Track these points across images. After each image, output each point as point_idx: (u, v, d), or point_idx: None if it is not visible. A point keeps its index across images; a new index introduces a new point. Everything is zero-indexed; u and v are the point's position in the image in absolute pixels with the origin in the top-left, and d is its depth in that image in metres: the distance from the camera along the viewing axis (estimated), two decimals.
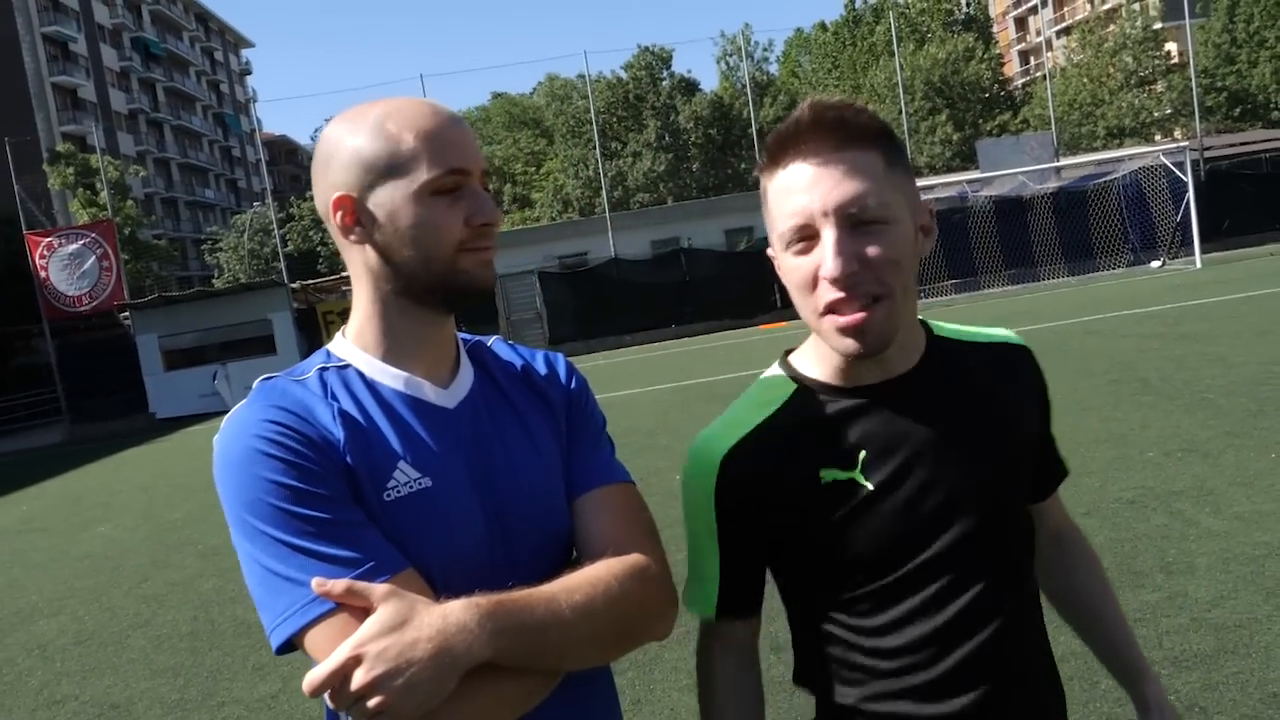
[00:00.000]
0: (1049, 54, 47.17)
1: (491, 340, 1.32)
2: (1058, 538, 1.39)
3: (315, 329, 23.96)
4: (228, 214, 66.19)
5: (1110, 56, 40.45)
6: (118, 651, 5.30)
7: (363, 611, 0.99)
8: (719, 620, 1.26)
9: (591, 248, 28.51)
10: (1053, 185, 26.03)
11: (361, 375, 1.17)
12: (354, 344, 1.19)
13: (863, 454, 1.15)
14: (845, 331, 1.08)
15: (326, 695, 0.96)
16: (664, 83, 43.96)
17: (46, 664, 5.30)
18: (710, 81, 79.37)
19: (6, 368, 31.59)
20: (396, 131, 1.11)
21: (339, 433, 1.09)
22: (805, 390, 1.20)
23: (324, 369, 1.17)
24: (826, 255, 1.06)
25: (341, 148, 1.14)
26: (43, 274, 24.56)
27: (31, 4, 52.25)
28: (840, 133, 1.08)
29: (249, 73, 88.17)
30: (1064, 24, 57.09)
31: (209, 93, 76.55)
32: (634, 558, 1.13)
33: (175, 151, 67.14)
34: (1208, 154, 27.69)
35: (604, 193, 31.25)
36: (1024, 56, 64.81)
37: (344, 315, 1.26)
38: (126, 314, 25.17)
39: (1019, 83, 57.83)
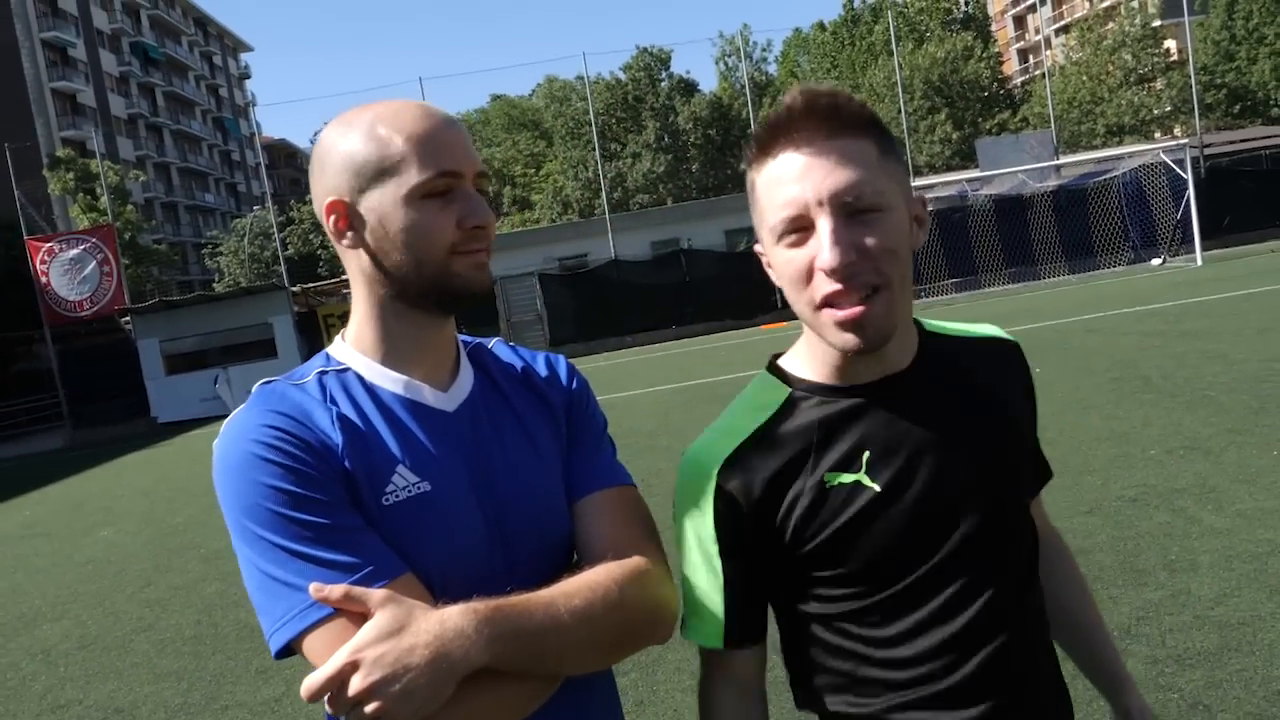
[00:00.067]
0: (1048, 52, 47.21)
1: (492, 342, 1.32)
2: (1041, 543, 1.36)
3: (316, 332, 23.96)
4: (228, 218, 66.23)
5: (1109, 54, 40.46)
6: (121, 656, 5.30)
7: (360, 617, 0.99)
8: (726, 649, 1.18)
9: (591, 249, 28.52)
10: (1052, 183, 26.03)
11: (361, 379, 1.16)
12: (353, 347, 1.19)
13: (866, 454, 1.11)
14: (844, 326, 1.04)
15: (325, 700, 0.96)
16: (663, 84, 44.01)
17: (50, 669, 5.30)
18: (709, 82, 79.31)
19: (8, 373, 31.59)
20: (386, 135, 1.10)
21: (337, 437, 1.09)
22: (800, 393, 1.16)
23: (323, 373, 1.17)
24: (823, 245, 1.02)
25: (334, 152, 1.14)
26: (43, 279, 24.58)
27: (30, 10, 52.30)
28: (833, 120, 1.05)
29: (248, 77, 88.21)
30: (1063, 22, 57.09)
31: (208, 97, 76.60)
32: (634, 561, 1.13)
33: (175, 156, 67.17)
34: (1207, 151, 27.68)
35: (604, 194, 31.26)
36: (1023, 55, 64.81)
37: (344, 318, 1.25)
38: (127, 319, 25.19)
39: (1018, 81, 57.82)
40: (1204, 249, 22.28)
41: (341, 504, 1.06)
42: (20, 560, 8.72)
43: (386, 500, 1.09)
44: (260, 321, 23.93)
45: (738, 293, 24.50)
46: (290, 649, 1.03)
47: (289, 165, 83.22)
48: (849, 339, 1.05)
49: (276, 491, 1.03)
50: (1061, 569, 1.38)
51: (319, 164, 1.16)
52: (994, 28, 57.29)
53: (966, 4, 49.36)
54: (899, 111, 34.50)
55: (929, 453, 1.12)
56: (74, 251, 24.72)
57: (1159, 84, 40.04)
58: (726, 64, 51.03)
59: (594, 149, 34.87)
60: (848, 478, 1.11)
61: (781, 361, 1.22)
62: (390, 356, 1.17)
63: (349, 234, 1.14)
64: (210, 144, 74.77)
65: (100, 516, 10.60)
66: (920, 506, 1.10)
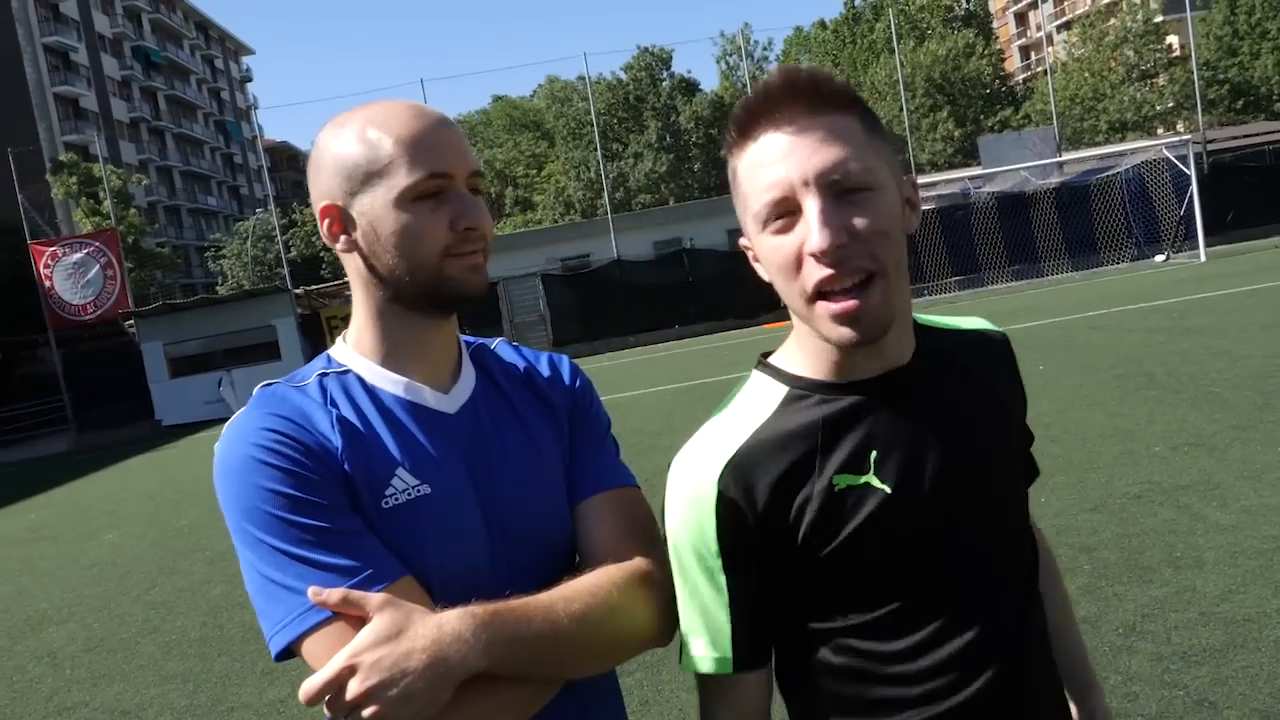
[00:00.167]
0: (1050, 49, 47.12)
1: (495, 343, 1.31)
2: None
3: (319, 334, 23.99)
4: (230, 221, 66.39)
5: (1111, 50, 40.42)
6: (127, 658, 5.31)
7: (359, 620, 0.99)
8: (734, 674, 1.08)
9: (594, 249, 28.52)
10: (1055, 180, 25.99)
11: (361, 381, 1.16)
12: (354, 349, 1.19)
13: (873, 454, 1.04)
14: (839, 319, 0.98)
15: (324, 703, 0.96)
16: (664, 83, 44.01)
17: (56, 671, 5.31)
18: (710, 81, 79.36)
19: (12, 377, 31.66)
20: (376, 137, 1.10)
21: (337, 440, 1.09)
22: (798, 390, 1.09)
23: (324, 375, 1.16)
24: (811, 228, 0.96)
25: (327, 155, 1.13)
26: (47, 283, 24.63)
27: (32, 14, 52.42)
28: (814, 96, 0.99)
29: (250, 79, 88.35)
30: (1064, 18, 57.00)
31: (210, 100, 76.73)
32: (634, 564, 1.12)
33: (177, 159, 67.30)
34: (1210, 147, 27.63)
35: (606, 194, 31.24)
36: (1024, 52, 64.71)
37: (348, 320, 1.25)
38: (131, 322, 25.27)
39: (1020, 78, 57.76)
40: (1207, 245, 22.25)
41: (341, 507, 1.05)
42: (26, 564, 8.74)
43: (386, 503, 1.08)
44: (263, 324, 23.96)
45: (740, 292, 24.44)
46: (290, 652, 1.03)
47: (291, 168, 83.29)
48: (845, 332, 0.99)
49: (275, 495, 1.03)
50: (1044, 570, 1.32)
51: (314, 167, 1.16)
52: (995, 25, 57.24)
53: (968, 1, 49.31)
54: (901, 109, 34.49)
55: (935, 451, 1.06)
56: (77, 255, 24.78)
57: (1161, 80, 39.99)
58: (728, 63, 51.07)
59: (596, 149, 34.87)
60: (857, 479, 1.04)
61: (773, 359, 1.14)
62: (390, 358, 1.17)
63: (343, 238, 1.14)
64: (212, 147, 74.90)
65: (105, 519, 10.62)
66: (930, 507, 1.05)
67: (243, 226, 52.33)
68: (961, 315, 1.25)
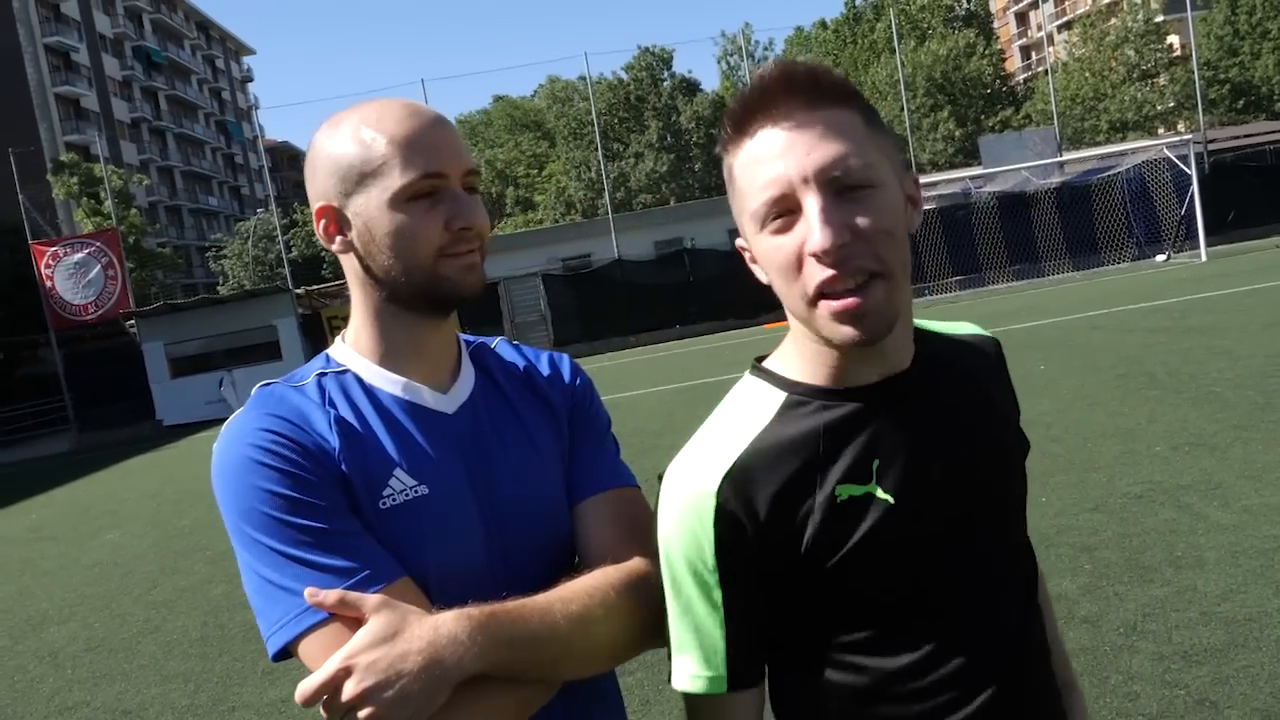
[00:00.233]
0: (1050, 49, 47.18)
1: (495, 342, 1.31)
2: None
3: (320, 334, 24.00)
4: (232, 221, 66.42)
5: (1112, 50, 40.41)
6: (128, 658, 5.32)
7: (355, 622, 0.99)
8: (728, 693, 1.03)
9: (595, 249, 28.53)
10: (1056, 180, 25.99)
11: (360, 380, 1.16)
12: (352, 349, 1.18)
13: (876, 463, 1.01)
14: (840, 317, 0.94)
15: (320, 705, 0.96)
16: (665, 83, 44.01)
17: (58, 671, 5.31)
18: (711, 81, 79.38)
19: (13, 377, 31.69)
20: (370, 137, 1.09)
21: (334, 440, 1.08)
22: (797, 396, 1.04)
23: (322, 374, 1.16)
24: (813, 226, 0.92)
25: (322, 155, 1.13)
26: (48, 283, 24.65)
27: (33, 15, 52.45)
28: (813, 90, 0.95)
29: (250, 79, 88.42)
30: (1065, 18, 56.98)
31: (211, 100, 76.79)
32: (632, 565, 1.11)
33: (178, 159, 67.34)
34: (1211, 147, 27.63)
35: (607, 194, 31.26)
36: (1025, 52, 64.70)
37: (348, 320, 1.25)
38: (132, 322, 25.28)
39: (1021, 78, 57.76)
40: (1208, 245, 22.25)
41: (338, 508, 1.05)
42: (27, 563, 8.75)
43: (383, 504, 1.08)
44: (265, 324, 23.98)
45: (741, 292, 24.41)
46: (287, 652, 1.03)
47: (292, 168, 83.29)
48: (848, 332, 0.94)
49: (272, 496, 1.03)
50: None
51: (309, 167, 1.15)
52: (996, 24, 57.22)
53: (968, 1, 49.30)
54: (902, 109, 34.50)
55: (938, 460, 1.03)
56: (79, 255, 24.80)
57: (1162, 79, 39.99)
58: (729, 63, 51.09)
59: (596, 149, 34.89)
60: (859, 490, 1.00)
61: (769, 363, 1.10)
62: (389, 358, 1.16)
63: (339, 238, 1.14)
64: (213, 147, 74.95)
65: (107, 519, 10.63)
66: (932, 518, 1.02)
67: (244, 226, 52.34)
68: (951, 320, 1.22)
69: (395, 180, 1.08)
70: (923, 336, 1.10)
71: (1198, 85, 30.48)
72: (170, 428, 23.22)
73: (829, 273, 0.93)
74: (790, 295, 0.98)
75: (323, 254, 46.24)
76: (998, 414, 1.12)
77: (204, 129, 73.43)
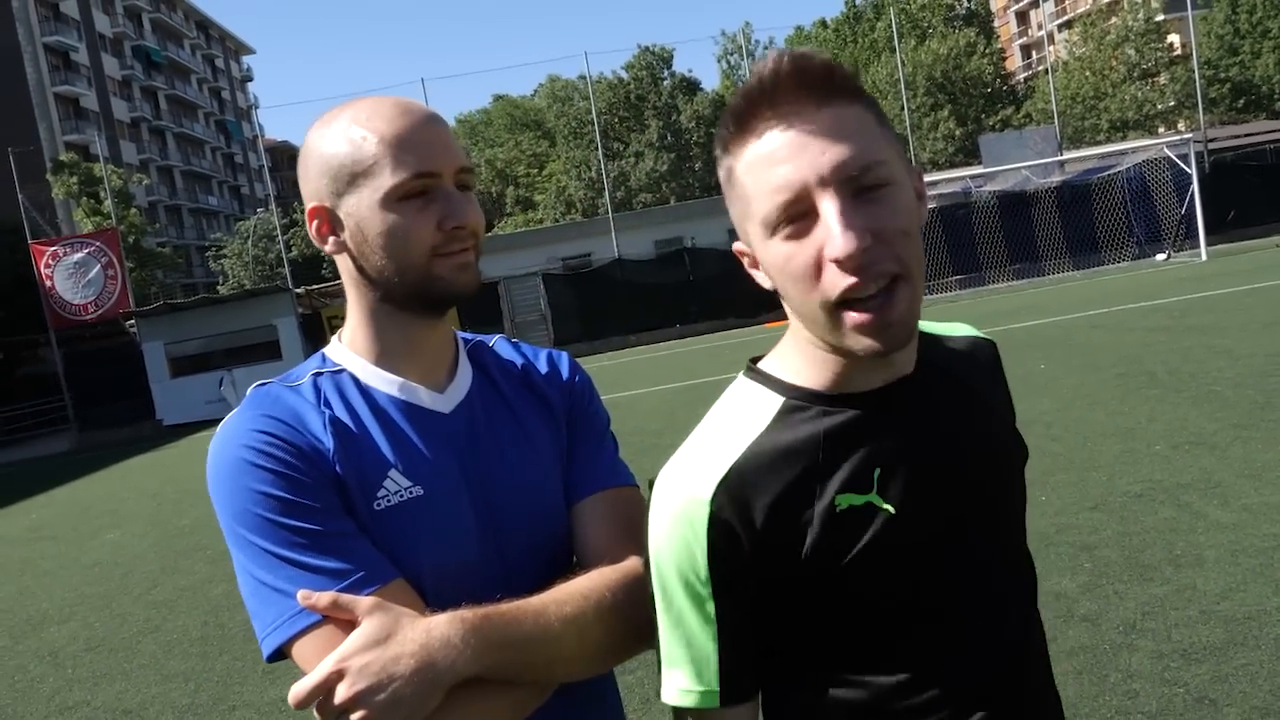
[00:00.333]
0: (1051, 48, 47.12)
1: (494, 340, 1.30)
2: None
3: (320, 334, 23.97)
4: (231, 220, 66.41)
5: (1112, 49, 40.40)
6: (129, 657, 5.32)
7: (349, 624, 0.99)
8: (721, 708, 0.99)
9: (595, 249, 28.53)
10: (1056, 179, 25.98)
11: (356, 380, 1.15)
12: (348, 348, 1.18)
13: (876, 472, 0.97)
14: (865, 329, 0.89)
15: (313, 707, 0.96)
16: (665, 82, 44.00)
17: (58, 670, 5.32)
18: (711, 80, 79.38)
19: (13, 377, 31.69)
20: (360, 136, 1.08)
21: (329, 441, 1.08)
22: (795, 401, 1.00)
23: (318, 374, 1.15)
24: (833, 231, 0.87)
25: (313, 155, 1.12)
26: (48, 283, 24.64)
27: (32, 14, 52.44)
28: (826, 86, 0.90)
29: (250, 79, 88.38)
30: (1065, 17, 56.97)
31: (211, 100, 76.77)
32: (629, 566, 1.10)
33: (178, 159, 67.33)
34: (1212, 146, 27.61)
35: (607, 193, 31.25)
36: (1026, 51, 64.68)
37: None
38: (132, 322, 25.26)
39: (1021, 77, 57.75)
40: (1208, 244, 22.25)
41: (332, 509, 1.05)
42: (28, 563, 8.75)
43: (378, 505, 1.08)
44: (265, 323, 23.97)
45: (741, 291, 24.36)
46: (281, 654, 1.03)
47: (292, 167, 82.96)
48: (869, 344, 0.90)
49: (267, 497, 1.03)
50: None
51: (302, 167, 1.14)
52: (996, 23, 57.19)
53: (969, 0, 49.29)
54: (902, 108, 34.50)
55: (939, 468, 1.00)
56: (78, 255, 24.79)
57: (1163, 79, 39.97)
58: (729, 62, 51.06)
59: (597, 148, 34.88)
60: (859, 499, 0.96)
61: (765, 366, 1.06)
62: (384, 358, 1.16)
63: (332, 239, 1.13)
64: (213, 147, 74.94)
65: (107, 519, 10.63)
66: (935, 528, 0.99)
67: (244, 226, 52.32)
68: (947, 321, 1.18)
69: (386, 180, 1.07)
70: (922, 340, 1.06)
71: (1198, 84, 30.46)
72: (170, 427, 23.22)
73: (851, 280, 0.88)
74: (806, 303, 0.92)
75: (322, 254, 46.20)
76: (997, 420, 1.10)
77: (204, 128, 73.42)
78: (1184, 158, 23.03)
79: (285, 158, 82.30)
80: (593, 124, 35.61)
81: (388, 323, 1.15)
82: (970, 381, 1.09)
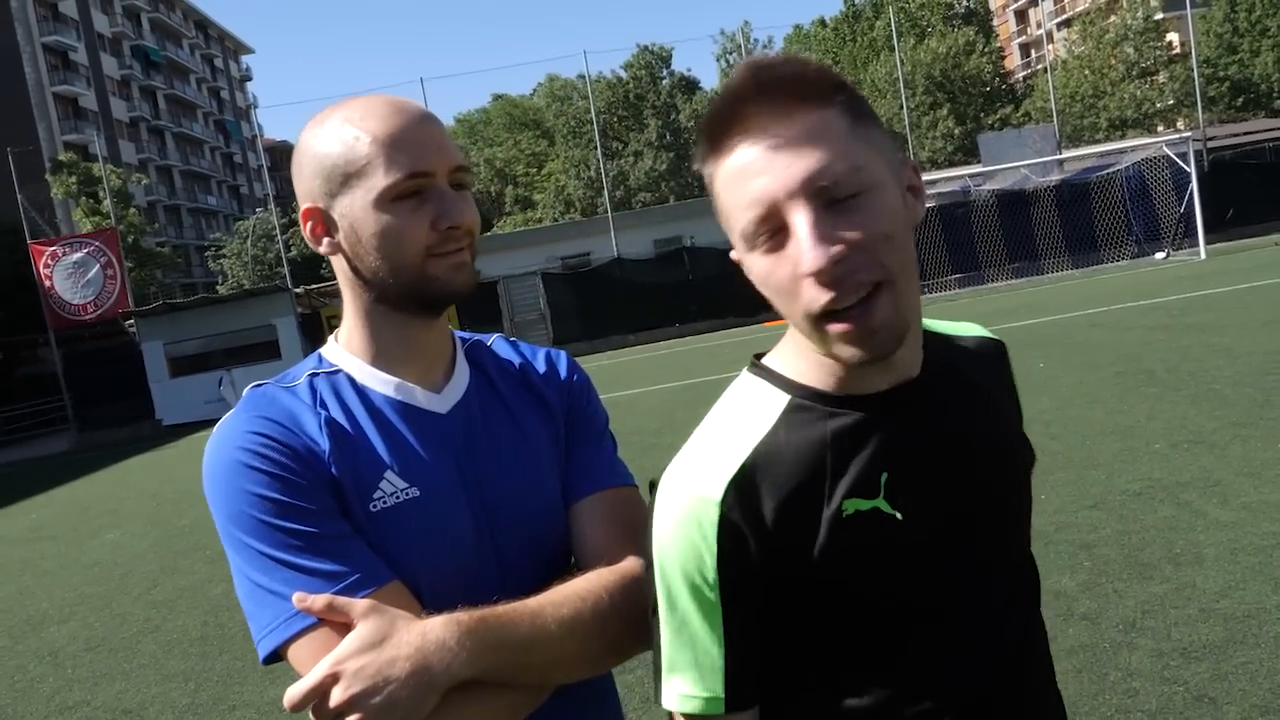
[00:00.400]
0: (1050, 46, 47.08)
1: (492, 339, 1.29)
2: None
3: (319, 334, 23.95)
4: (231, 220, 66.37)
5: (1111, 48, 40.41)
6: (128, 657, 5.32)
7: (344, 626, 0.98)
8: (724, 715, 0.98)
9: (594, 248, 28.53)
10: (1055, 178, 25.99)
11: (352, 381, 1.14)
12: (345, 349, 1.17)
13: (884, 476, 0.96)
14: (848, 338, 0.88)
15: (309, 710, 0.96)
16: (664, 81, 44.04)
17: (58, 670, 5.32)
18: (711, 79, 79.25)
19: (13, 377, 31.70)
20: (353, 136, 1.07)
21: (325, 443, 1.07)
22: (801, 401, 0.98)
23: (315, 375, 1.15)
24: (803, 247, 0.85)
25: (306, 156, 1.12)
26: (47, 283, 24.63)
27: (31, 14, 52.40)
28: (789, 94, 0.88)
29: (249, 79, 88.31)
30: (1064, 16, 56.97)
31: (210, 99, 76.72)
32: (627, 567, 1.09)
33: (177, 159, 67.30)
34: (1211, 144, 27.62)
35: (606, 193, 31.23)
36: (1025, 49, 64.67)
37: None
38: (131, 322, 25.27)
39: (1020, 76, 57.76)
40: (1207, 242, 22.26)
41: (328, 512, 1.04)
42: (27, 563, 8.75)
43: (374, 507, 1.07)
44: (264, 323, 23.97)
45: (741, 290, 23.71)
46: (277, 656, 1.02)
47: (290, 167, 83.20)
48: (854, 353, 0.89)
49: (262, 500, 1.02)
50: None
51: (296, 167, 1.14)
52: (995, 22, 57.21)
53: None
54: (901, 107, 34.50)
55: (946, 473, 0.98)
56: (77, 255, 24.78)
57: (1161, 77, 39.98)
58: (728, 61, 50.96)
59: (596, 148, 34.87)
60: (866, 504, 0.95)
61: (769, 362, 1.04)
62: (381, 358, 1.15)
63: (326, 240, 1.12)
64: (212, 146, 74.90)
65: (106, 519, 10.63)
66: (941, 534, 0.97)
67: (243, 226, 52.32)
68: (956, 320, 1.17)
69: (380, 180, 1.06)
70: (930, 340, 1.04)
71: (1197, 83, 30.47)
72: (170, 427, 23.21)
73: (828, 294, 0.86)
74: (791, 314, 0.92)
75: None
76: (1006, 423, 1.08)
77: (203, 128, 73.36)
78: (1183, 156, 23.04)
79: (284, 157, 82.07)
80: (592, 123, 35.60)
81: (383, 323, 1.14)
82: (979, 382, 1.07)
